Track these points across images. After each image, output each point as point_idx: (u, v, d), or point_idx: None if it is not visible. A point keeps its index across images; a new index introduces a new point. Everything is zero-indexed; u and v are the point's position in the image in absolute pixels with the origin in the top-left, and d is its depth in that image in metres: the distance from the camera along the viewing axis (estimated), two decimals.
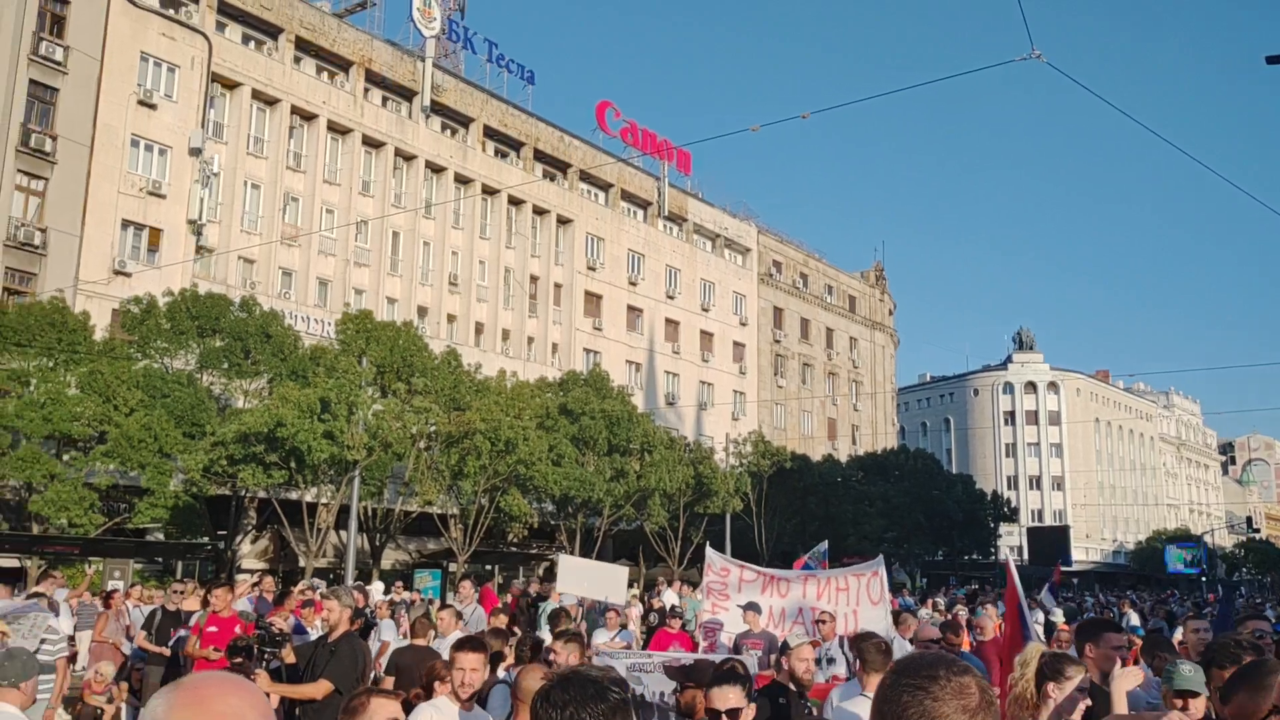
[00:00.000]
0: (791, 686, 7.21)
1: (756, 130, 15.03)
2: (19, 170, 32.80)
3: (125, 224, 35.39)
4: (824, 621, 11.04)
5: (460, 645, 5.38)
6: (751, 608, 11.61)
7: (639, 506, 36.14)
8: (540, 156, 52.13)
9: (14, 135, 32.44)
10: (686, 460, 37.71)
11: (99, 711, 11.89)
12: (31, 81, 33.32)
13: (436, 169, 46.42)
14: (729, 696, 4.47)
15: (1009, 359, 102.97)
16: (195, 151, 37.23)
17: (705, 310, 59.41)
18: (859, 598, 12.61)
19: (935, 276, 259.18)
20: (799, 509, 44.12)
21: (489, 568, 35.98)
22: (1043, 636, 16.50)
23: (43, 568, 24.04)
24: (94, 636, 13.52)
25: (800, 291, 67.54)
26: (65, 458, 26.35)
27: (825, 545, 23.91)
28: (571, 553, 35.64)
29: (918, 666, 1.96)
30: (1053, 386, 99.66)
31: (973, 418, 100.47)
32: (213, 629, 10.34)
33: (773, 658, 10.65)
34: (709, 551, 13.59)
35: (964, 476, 64.26)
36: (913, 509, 50.30)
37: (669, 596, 23.82)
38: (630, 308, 54.91)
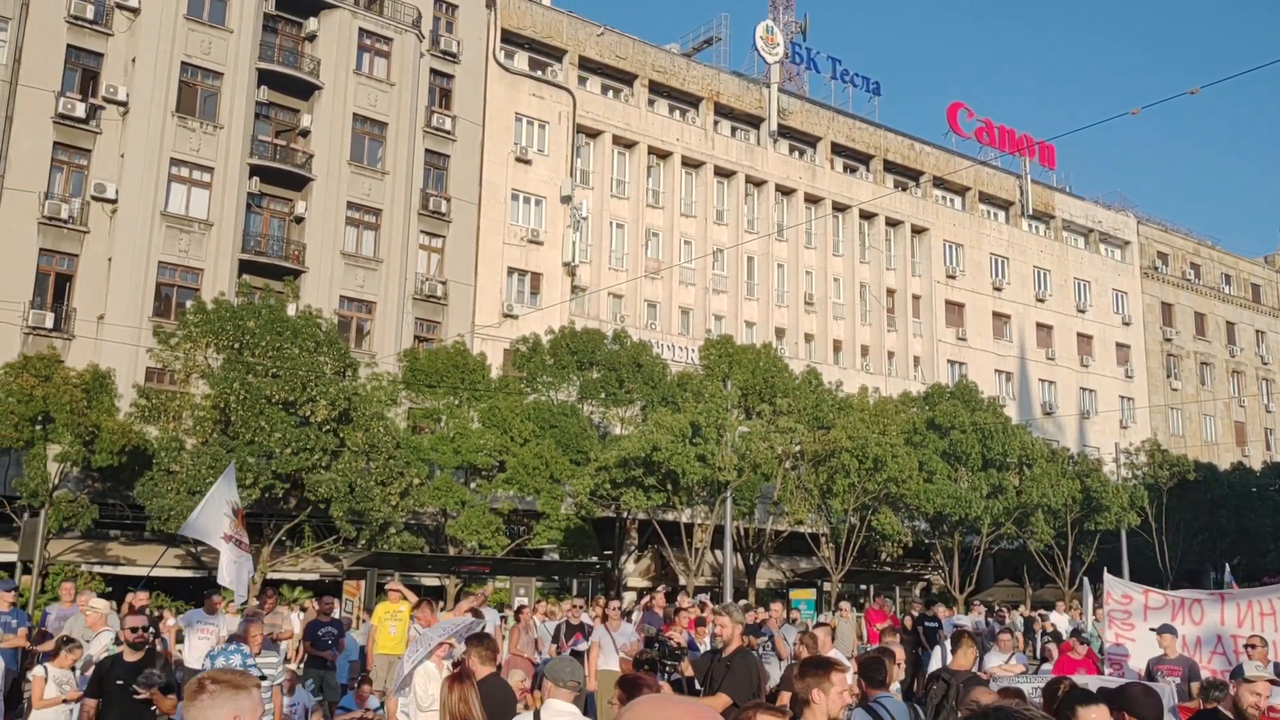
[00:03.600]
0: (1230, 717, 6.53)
1: (1137, 113, 13.88)
2: (422, 231, 37.02)
3: (510, 271, 38.84)
4: (1254, 646, 9.89)
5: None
6: (1167, 630, 10.65)
7: (1020, 524, 34.20)
8: (890, 167, 51.24)
9: (416, 201, 36.68)
10: (1071, 473, 35.22)
11: None
12: (427, 151, 37.57)
13: (786, 191, 46.95)
14: (1092, 716, 4.16)
15: None
16: (566, 199, 40.20)
17: (1081, 311, 55.43)
18: None
19: None
20: (1207, 524, 39.82)
21: (863, 587, 35.49)
22: None
23: (459, 586, 26.76)
24: (509, 649, 14.85)
25: (1192, 283, 61.25)
26: (472, 485, 29.19)
27: (1228, 568, 21.52)
28: (949, 573, 34.44)
29: None
30: None
31: None
32: None
33: (1193, 686, 9.70)
34: (1107, 577, 12.67)
35: None
36: None
37: (1057, 619, 22.35)
38: (996, 314, 52.37)
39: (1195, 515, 39.39)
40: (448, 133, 37.99)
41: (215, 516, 12.30)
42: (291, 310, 28.48)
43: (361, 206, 35.52)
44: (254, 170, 33.49)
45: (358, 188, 35.44)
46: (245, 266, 32.82)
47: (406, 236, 36.18)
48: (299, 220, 34.61)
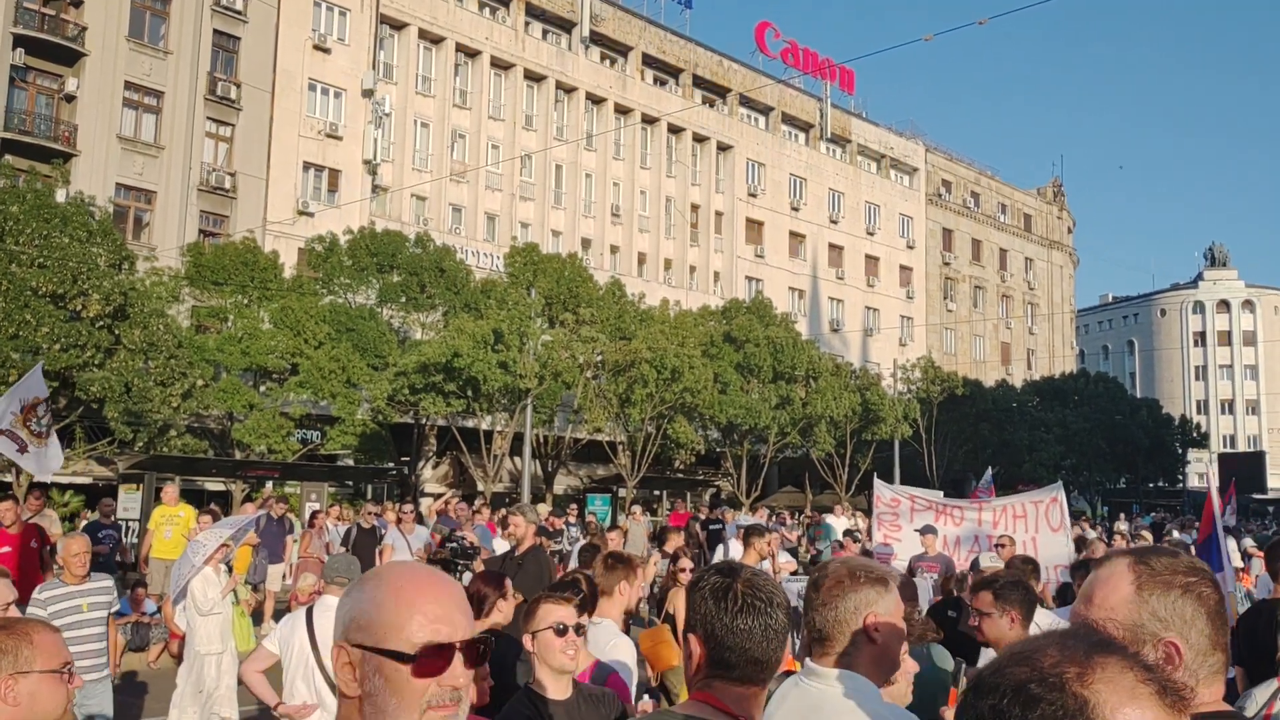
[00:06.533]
0: (967, 602, 7.15)
1: (930, 40, 14.44)
2: (208, 118, 34.72)
3: (306, 166, 37.07)
4: (1004, 545, 10.86)
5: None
6: (928, 530, 11.53)
7: (805, 433, 36.01)
8: (699, 83, 51.61)
9: (202, 84, 34.29)
10: (853, 387, 37.24)
11: None
12: (216, 31, 35.05)
13: (596, 100, 46.61)
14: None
15: (1200, 276, 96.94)
16: (367, 93, 38.50)
17: (870, 234, 58.04)
18: (1038, 524, 12.37)
19: (1118, 191, 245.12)
20: (971, 436, 43.08)
21: (657, 493, 36.65)
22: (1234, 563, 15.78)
23: (246, 491, 25.92)
24: (300, 552, 14.58)
25: (971, 211, 65.09)
26: (262, 388, 28.12)
27: (990, 472, 23.38)
28: (738, 480, 35.97)
29: None
30: (1248, 305, 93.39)
31: (1159, 339, 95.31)
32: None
33: (948, 580, 10.57)
34: (878, 483, 13.52)
35: (1149, 401, 61.24)
36: (1093, 435, 48.34)
37: (834, 521, 23.77)
38: (792, 234, 54.16)
39: (962, 427, 42.51)
40: (238, 13, 35.51)
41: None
42: (61, 196, 26.25)
43: (141, 87, 32.92)
44: (18, 40, 30.40)
45: (137, 67, 32.78)
46: (8, 146, 29.97)
47: (191, 123, 33.86)
48: (70, 99, 31.77)
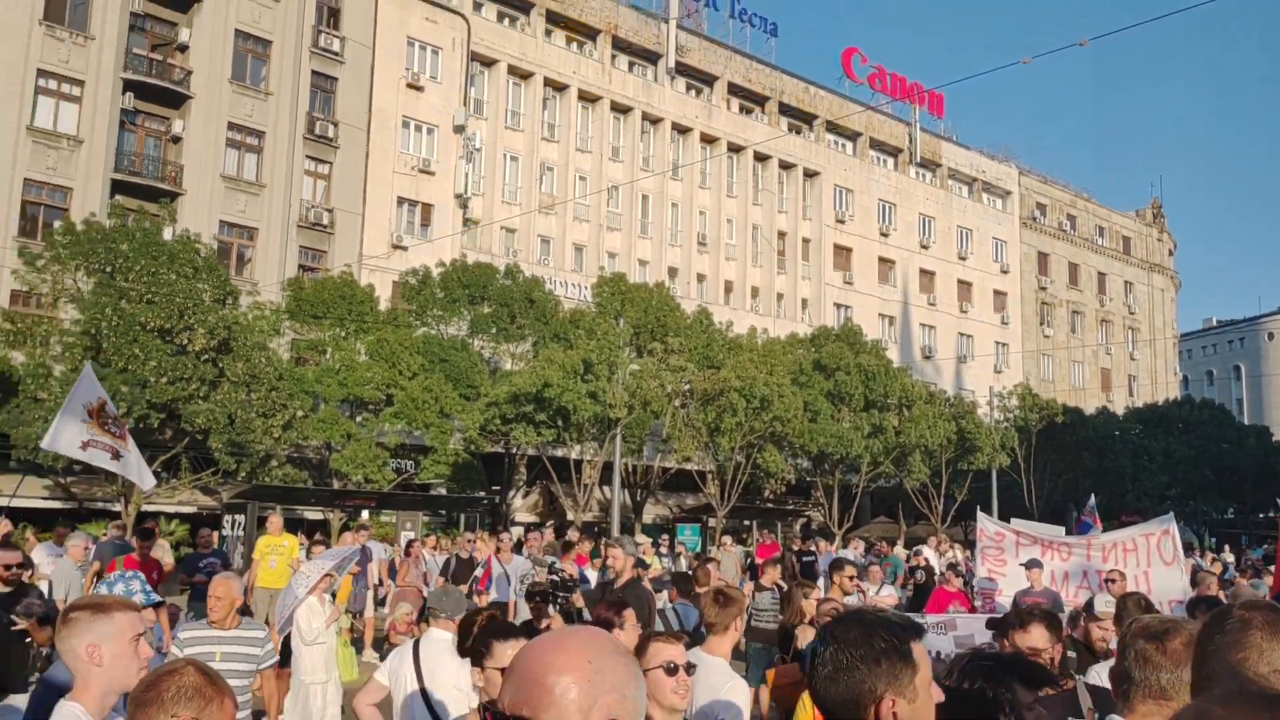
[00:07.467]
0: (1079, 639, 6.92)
1: (1028, 63, 14.15)
2: (307, 156, 35.77)
3: (400, 201, 37.92)
4: (1114, 580, 10.42)
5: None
6: (1034, 565, 11.17)
7: (898, 463, 35.36)
8: (785, 110, 51.50)
9: (301, 124, 35.37)
10: (947, 415, 36.49)
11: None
12: (314, 73, 36.17)
13: (682, 130, 46.81)
14: (1034, 635, 4.42)
15: None
16: (459, 129, 39.29)
17: (962, 259, 57.02)
18: (1149, 558, 11.86)
19: (1222, 212, 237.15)
20: (1071, 465, 41.81)
21: (746, 523, 36.27)
22: None
23: (344, 520, 26.41)
24: (398, 582, 14.77)
25: (1067, 234, 63.54)
26: (358, 419, 28.69)
27: (1092, 499, 22.68)
28: (829, 510, 35.46)
29: None
30: None
31: (1268, 364, 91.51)
32: None
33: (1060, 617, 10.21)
34: (980, 516, 13.17)
35: (1258, 428, 58.68)
36: (1199, 463, 46.53)
37: (929, 554, 23.23)
38: (882, 259, 53.50)
39: (1061, 456, 41.29)
40: (335, 54, 36.63)
41: (73, 425, 11.37)
42: (168, 234, 27.29)
43: (243, 128, 34.10)
44: (128, 85, 31.78)
45: (239, 108, 33.98)
46: (118, 187, 31.28)
47: (291, 161, 34.93)
48: (176, 140, 33.05)
